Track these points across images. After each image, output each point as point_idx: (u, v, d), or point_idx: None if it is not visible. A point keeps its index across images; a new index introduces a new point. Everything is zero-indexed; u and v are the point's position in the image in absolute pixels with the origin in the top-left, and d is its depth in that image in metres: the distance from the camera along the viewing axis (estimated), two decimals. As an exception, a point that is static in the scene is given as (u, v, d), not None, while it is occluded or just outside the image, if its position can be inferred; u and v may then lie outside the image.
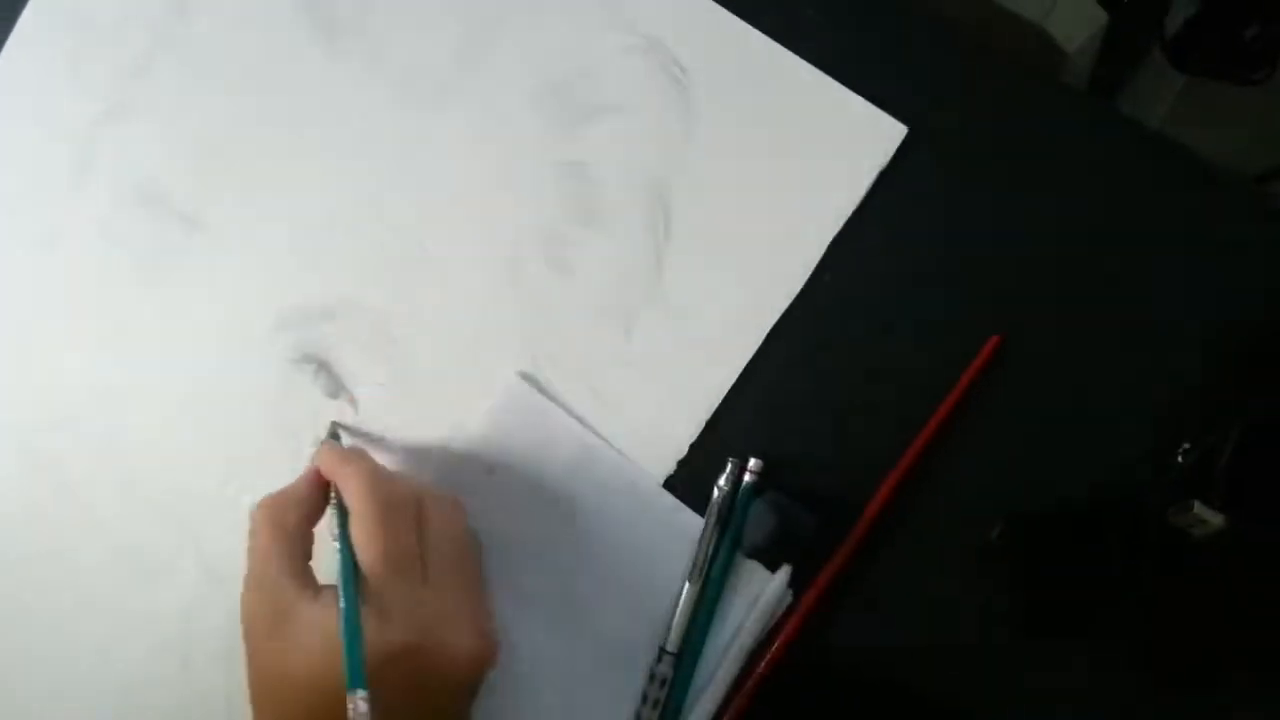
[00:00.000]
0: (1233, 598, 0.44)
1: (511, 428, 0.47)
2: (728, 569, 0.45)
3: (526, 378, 0.47)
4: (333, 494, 0.42)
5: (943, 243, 0.46)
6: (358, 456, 0.43)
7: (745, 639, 0.45)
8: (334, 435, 0.47)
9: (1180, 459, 0.44)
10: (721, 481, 0.45)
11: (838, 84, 0.46)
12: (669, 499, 0.46)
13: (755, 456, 0.45)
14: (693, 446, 0.46)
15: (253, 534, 0.41)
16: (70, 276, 0.50)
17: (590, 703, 0.46)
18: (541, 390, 0.47)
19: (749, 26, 0.47)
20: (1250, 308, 0.45)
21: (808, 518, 0.44)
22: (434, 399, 0.48)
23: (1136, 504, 0.44)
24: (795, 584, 0.45)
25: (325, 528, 0.42)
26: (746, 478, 0.45)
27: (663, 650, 0.45)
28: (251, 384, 0.49)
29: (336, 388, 0.48)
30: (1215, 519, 0.42)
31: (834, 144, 0.46)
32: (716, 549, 0.45)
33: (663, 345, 0.46)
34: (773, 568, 0.45)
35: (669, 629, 0.45)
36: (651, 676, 0.45)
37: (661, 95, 0.47)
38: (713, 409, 0.46)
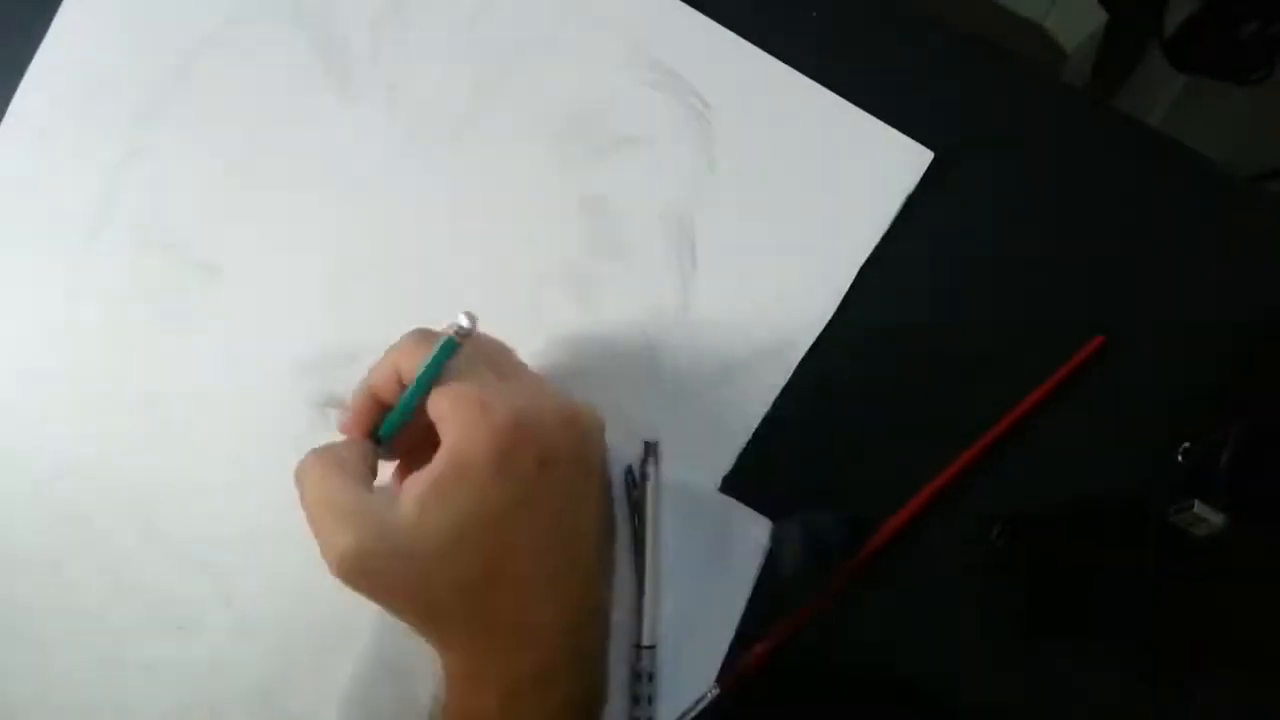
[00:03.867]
0: (1233, 598, 0.44)
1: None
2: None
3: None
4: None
5: (943, 241, 0.46)
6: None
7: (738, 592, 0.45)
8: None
9: (1181, 458, 0.44)
10: (634, 467, 0.45)
11: (860, 110, 0.46)
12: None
13: (786, 488, 0.45)
14: (726, 478, 0.46)
15: (309, 485, 0.38)
16: (89, 327, 0.49)
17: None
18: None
19: (769, 56, 0.46)
20: (1250, 307, 0.45)
21: (840, 531, 0.44)
22: None
23: (1137, 503, 0.44)
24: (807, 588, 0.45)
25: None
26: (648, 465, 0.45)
27: (639, 646, 0.45)
28: (275, 430, 0.48)
29: None
30: (1216, 518, 0.42)
31: (859, 171, 0.46)
32: (641, 531, 0.45)
33: (693, 378, 0.46)
34: (807, 586, 0.45)
35: (639, 623, 0.45)
36: (637, 675, 0.45)
37: (683, 127, 0.47)
38: (746, 441, 0.46)
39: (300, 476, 0.39)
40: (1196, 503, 0.42)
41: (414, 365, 0.38)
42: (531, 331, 0.47)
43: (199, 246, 0.49)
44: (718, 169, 0.47)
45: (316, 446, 0.40)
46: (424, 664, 0.44)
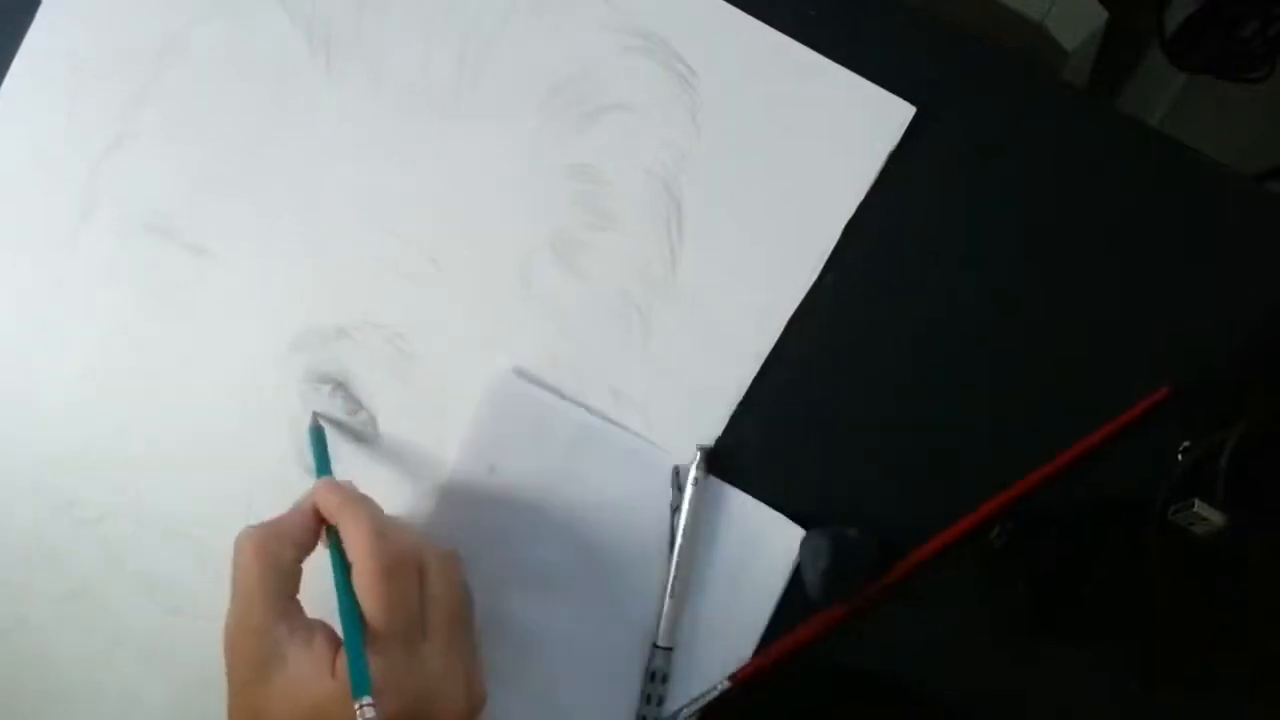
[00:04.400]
0: (1232, 597, 0.44)
1: (507, 422, 0.47)
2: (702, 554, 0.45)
3: (520, 373, 0.47)
4: (325, 536, 0.42)
5: (942, 238, 0.46)
6: (359, 504, 0.41)
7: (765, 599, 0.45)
8: (317, 428, 0.47)
9: (1181, 457, 0.44)
10: (693, 472, 0.45)
11: (843, 68, 0.46)
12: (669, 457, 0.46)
13: (775, 453, 0.45)
14: (720, 450, 0.46)
15: (241, 567, 0.40)
16: (80, 313, 0.49)
17: (601, 698, 0.46)
18: (537, 382, 0.47)
19: (753, 19, 0.46)
20: (1250, 306, 0.45)
21: (868, 551, 0.44)
22: (453, 410, 0.48)
23: (1137, 502, 0.44)
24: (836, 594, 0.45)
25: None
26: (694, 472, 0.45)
27: (656, 646, 0.45)
28: (269, 408, 0.48)
29: (355, 406, 0.48)
30: (1216, 517, 0.42)
31: (842, 128, 0.46)
32: (675, 534, 0.45)
33: (681, 342, 0.47)
34: (833, 601, 0.45)
35: (659, 623, 0.45)
36: (651, 675, 0.45)
37: (667, 92, 0.47)
38: (736, 403, 0.46)
39: (235, 552, 0.41)
40: (1196, 502, 0.42)
41: (351, 557, 0.40)
42: (518, 301, 0.47)
43: (187, 229, 0.49)
44: (703, 133, 0.47)
45: (262, 526, 0.41)
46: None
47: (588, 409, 0.47)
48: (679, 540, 0.45)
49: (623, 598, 0.46)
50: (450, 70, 0.48)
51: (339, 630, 0.39)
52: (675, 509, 0.45)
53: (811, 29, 0.46)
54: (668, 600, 0.45)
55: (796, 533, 0.45)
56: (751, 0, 0.46)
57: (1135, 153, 0.46)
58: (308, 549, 0.41)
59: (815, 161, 0.46)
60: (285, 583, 0.40)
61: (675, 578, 0.45)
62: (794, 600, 0.45)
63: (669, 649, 0.45)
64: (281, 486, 0.47)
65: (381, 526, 0.40)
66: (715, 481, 0.46)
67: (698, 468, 0.45)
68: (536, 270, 0.47)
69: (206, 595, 0.48)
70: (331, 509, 0.41)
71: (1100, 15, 0.70)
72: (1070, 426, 0.45)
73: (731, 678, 0.45)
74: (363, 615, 0.38)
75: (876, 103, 0.46)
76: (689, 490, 0.45)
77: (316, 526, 0.42)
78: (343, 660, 0.37)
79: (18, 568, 0.49)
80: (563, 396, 0.47)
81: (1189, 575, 0.44)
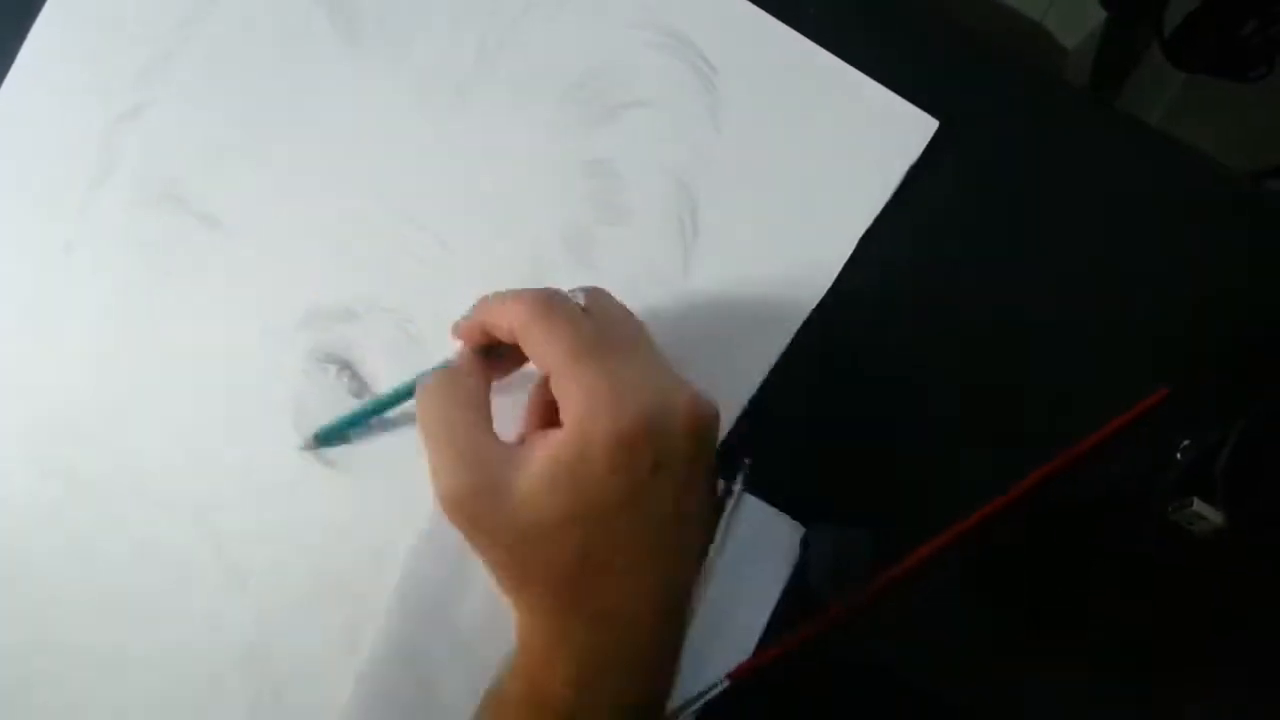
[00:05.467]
0: (1232, 596, 0.44)
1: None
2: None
3: None
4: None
5: (942, 237, 0.46)
6: (485, 297, 0.40)
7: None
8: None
9: (1180, 456, 0.44)
10: (737, 486, 0.45)
11: (867, 78, 0.46)
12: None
13: (780, 456, 0.45)
14: (722, 447, 0.46)
15: (432, 413, 0.39)
16: (88, 278, 0.49)
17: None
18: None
19: (776, 21, 0.46)
20: (1249, 305, 0.45)
21: (863, 537, 0.44)
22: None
23: (1136, 501, 0.44)
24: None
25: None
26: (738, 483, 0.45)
27: None
28: (274, 386, 0.48)
29: (360, 388, 0.48)
30: (1215, 516, 0.42)
31: (863, 138, 0.46)
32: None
33: (690, 343, 0.46)
34: (833, 600, 0.45)
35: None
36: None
37: (688, 91, 0.47)
38: (742, 407, 0.46)
39: (424, 400, 0.39)
40: (1195, 500, 0.42)
41: (511, 331, 0.38)
42: None
43: (200, 199, 0.49)
44: (722, 133, 0.47)
45: (438, 368, 0.41)
46: (445, 652, 0.45)
47: None
48: (713, 550, 0.45)
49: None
50: (472, 56, 0.48)
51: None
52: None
53: (827, 32, 0.46)
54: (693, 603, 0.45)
55: (797, 531, 0.45)
56: (777, 4, 0.46)
57: (1135, 153, 0.46)
58: (487, 379, 0.40)
59: (834, 169, 0.46)
60: (483, 407, 0.39)
61: (701, 582, 0.44)
62: (794, 599, 0.45)
63: None
64: (285, 461, 0.47)
65: (517, 290, 0.39)
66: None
67: (738, 482, 0.45)
68: (548, 261, 0.47)
69: (201, 568, 0.48)
70: (472, 327, 0.40)
71: (1100, 15, 0.70)
72: (1070, 426, 0.45)
73: (731, 676, 0.45)
74: (549, 364, 0.37)
75: (899, 115, 0.46)
76: (731, 504, 0.45)
77: (481, 358, 0.41)
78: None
79: (13, 525, 0.49)
80: None
81: (1188, 575, 0.44)
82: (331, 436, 0.46)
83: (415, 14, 0.48)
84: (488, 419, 0.39)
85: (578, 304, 0.39)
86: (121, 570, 0.49)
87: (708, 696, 0.45)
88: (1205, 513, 0.42)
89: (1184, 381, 0.45)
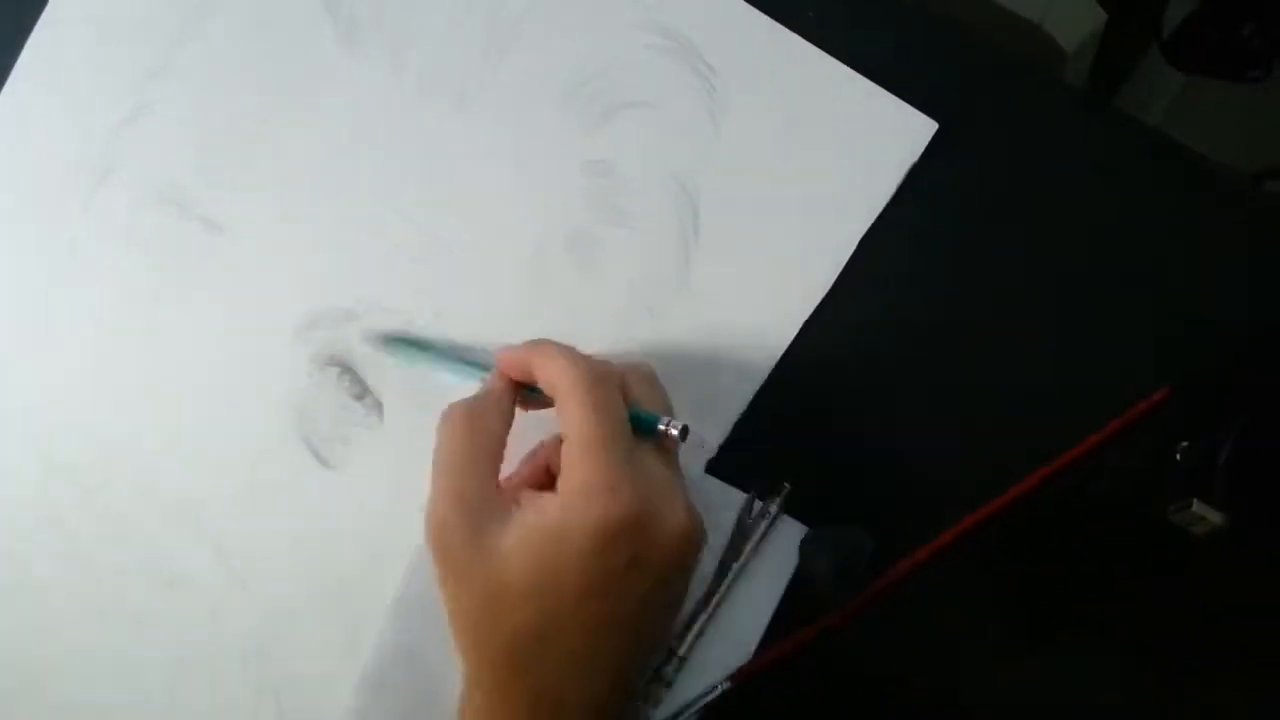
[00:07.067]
0: (1233, 597, 0.44)
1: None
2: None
3: None
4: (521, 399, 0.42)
5: (941, 237, 0.46)
6: (543, 342, 0.41)
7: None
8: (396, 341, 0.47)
9: (1180, 457, 0.44)
10: (755, 509, 0.45)
11: (866, 80, 0.46)
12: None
13: (780, 457, 0.45)
14: (722, 447, 0.46)
15: (452, 440, 0.40)
16: (90, 280, 0.49)
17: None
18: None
19: (776, 23, 0.46)
20: (1249, 306, 0.45)
21: (864, 539, 0.44)
22: (459, 398, 0.47)
23: (1136, 502, 0.44)
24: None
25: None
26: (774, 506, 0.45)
27: (672, 654, 0.45)
28: (275, 387, 0.48)
29: (361, 390, 0.48)
30: (1215, 517, 0.42)
31: (863, 140, 0.46)
32: (731, 556, 0.45)
33: (692, 345, 0.46)
34: (834, 601, 0.45)
35: (686, 633, 0.45)
36: (658, 676, 0.45)
37: (689, 93, 0.47)
38: (743, 409, 0.46)
39: (443, 429, 0.40)
40: (1195, 501, 0.42)
41: (550, 388, 0.40)
42: (528, 292, 0.47)
43: (201, 201, 0.49)
44: (722, 135, 0.47)
45: (469, 400, 0.41)
46: (445, 652, 0.44)
47: None
48: (735, 566, 0.45)
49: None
50: (472, 57, 0.48)
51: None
52: (743, 535, 0.45)
53: (827, 34, 0.46)
54: (702, 615, 0.45)
55: (797, 532, 0.45)
56: (777, 6, 0.46)
57: (1134, 153, 0.46)
58: (510, 418, 0.41)
59: (834, 171, 0.46)
60: (495, 454, 0.40)
61: (718, 595, 0.45)
62: (795, 601, 0.45)
63: (683, 658, 0.45)
64: (286, 463, 0.47)
65: (575, 351, 0.40)
66: (716, 481, 0.46)
67: (773, 505, 0.45)
68: (548, 263, 0.47)
69: (201, 569, 0.48)
70: (518, 361, 0.41)
71: (1099, 16, 0.70)
72: (1070, 426, 0.45)
73: (732, 678, 0.45)
74: (575, 441, 0.38)
75: (898, 117, 0.46)
76: (764, 525, 0.45)
77: (514, 391, 0.42)
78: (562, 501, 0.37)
79: (14, 527, 0.49)
80: None
81: (1188, 575, 0.44)
82: (397, 348, 0.46)
83: (415, 16, 0.48)
84: (497, 464, 0.40)
85: (618, 383, 0.40)
86: (122, 571, 0.49)
87: (708, 698, 0.45)
88: (1205, 513, 0.42)
89: (1184, 381, 0.45)
